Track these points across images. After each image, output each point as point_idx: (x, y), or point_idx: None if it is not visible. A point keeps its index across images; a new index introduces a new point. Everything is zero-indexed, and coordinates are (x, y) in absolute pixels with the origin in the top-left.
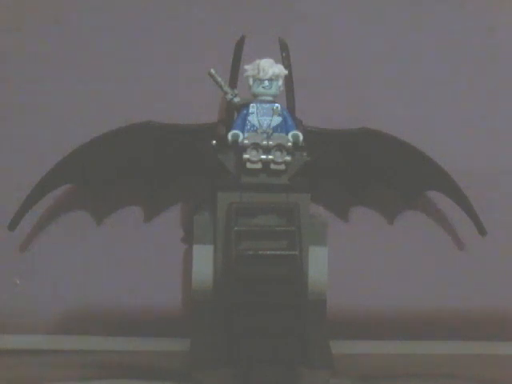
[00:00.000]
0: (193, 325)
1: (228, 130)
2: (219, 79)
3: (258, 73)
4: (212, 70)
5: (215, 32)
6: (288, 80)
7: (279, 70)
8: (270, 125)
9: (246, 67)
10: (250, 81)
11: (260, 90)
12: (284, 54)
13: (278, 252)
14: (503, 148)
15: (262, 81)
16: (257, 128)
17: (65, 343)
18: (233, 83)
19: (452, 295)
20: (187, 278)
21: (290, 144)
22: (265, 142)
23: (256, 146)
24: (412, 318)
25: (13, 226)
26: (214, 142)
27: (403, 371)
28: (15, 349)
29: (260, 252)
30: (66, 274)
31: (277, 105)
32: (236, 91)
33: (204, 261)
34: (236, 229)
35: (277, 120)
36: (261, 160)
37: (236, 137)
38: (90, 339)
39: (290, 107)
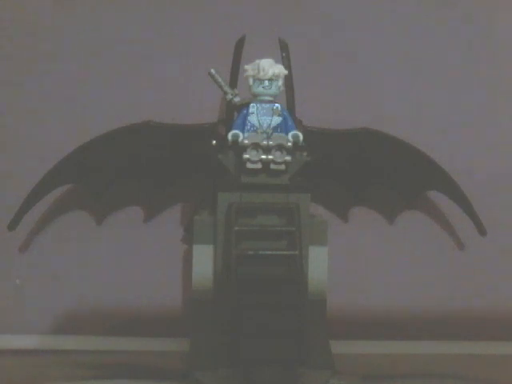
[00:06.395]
0: (193, 325)
1: (228, 130)
2: (219, 79)
3: (258, 73)
4: (212, 70)
5: (215, 32)
6: (288, 80)
7: (279, 70)
8: (270, 125)
9: (246, 67)
10: (250, 81)
11: (260, 89)
12: (284, 54)
13: (278, 252)
14: (503, 148)
15: (262, 81)
16: (257, 128)
17: (65, 343)
18: (233, 83)
19: (452, 295)
20: (187, 277)
21: (289, 144)
22: (265, 142)
23: (256, 146)
24: (412, 318)
25: (13, 225)
26: (214, 141)
27: (403, 371)
28: (15, 349)
29: (260, 252)
30: (66, 274)
31: (277, 105)
32: (236, 91)
33: (204, 261)
34: (236, 229)
35: (277, 120)
36: (261, 160)
37: (236, 137)
38: (90, 339)
39: (290, 107)
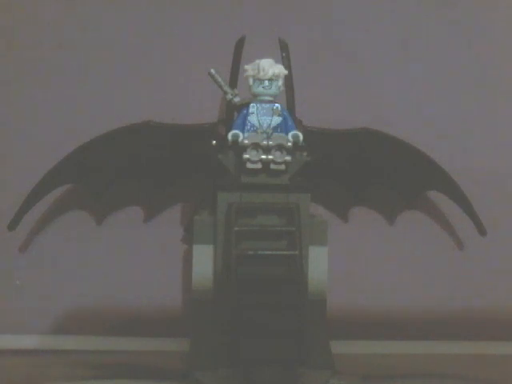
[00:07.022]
0: (193, 325)
1: (228, 130)
2: (219, 79)
3: (258, 73)
4: (212, 70)
5: (215, 32)
6: (288, 80)
7: (279, 70)
8: (270, 125)
9: (246, 67)
10: (250, 81)
11: (260, 89)
12: (284, 54)
13: (278, 252)
14: (503, 148)
15: (262, 81)
16: (257, 128)
17: (65, 343)
18: (233, 83)
19: (452, 295)
20: (187, 277)
21: (289, 144)
22: (265, 142)
23: (256, 146)
24: (412, 318)
25: (13, 225)
26: (214, 141)
27: (403, 371)
28: (15, 349)
29: (260, 252)
30: (66, 274)
31: (277, 105)
32: (236, 91)
33: (204, 261)
34: (236, 229)
35: (277, 120)
36: (261, 160)
37: (236, 137)
38: (90, 339)
39: (290, 107)
